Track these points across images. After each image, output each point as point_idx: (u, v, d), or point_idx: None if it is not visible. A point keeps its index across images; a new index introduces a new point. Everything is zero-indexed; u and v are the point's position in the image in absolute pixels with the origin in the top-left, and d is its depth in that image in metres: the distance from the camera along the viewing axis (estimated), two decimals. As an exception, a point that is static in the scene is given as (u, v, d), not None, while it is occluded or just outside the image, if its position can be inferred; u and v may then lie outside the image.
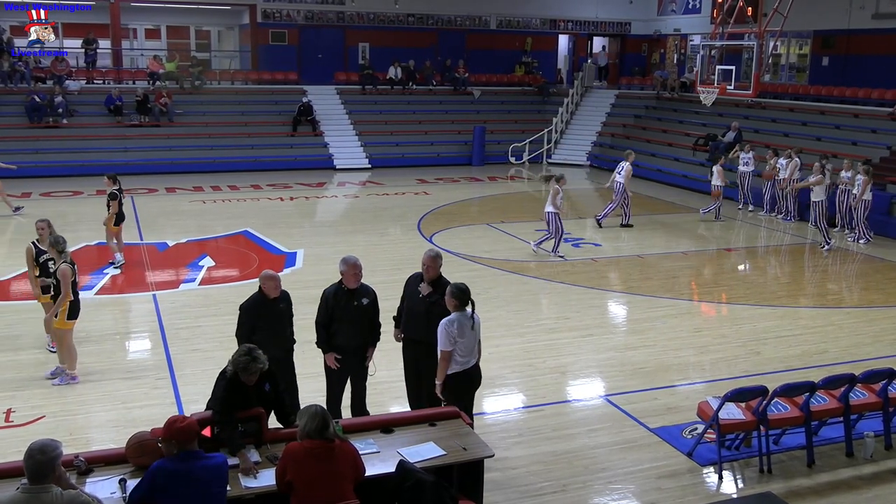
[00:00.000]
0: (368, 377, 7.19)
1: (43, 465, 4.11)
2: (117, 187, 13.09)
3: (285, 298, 7.13)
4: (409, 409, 7.12)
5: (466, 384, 6.64)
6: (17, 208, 16.88)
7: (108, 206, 12.86)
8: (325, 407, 5.15)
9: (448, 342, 6.44)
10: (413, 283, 7.12)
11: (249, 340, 6.30)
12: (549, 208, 14.10)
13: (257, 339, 6.44)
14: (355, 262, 6.95)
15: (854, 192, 15.89)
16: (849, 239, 16.24)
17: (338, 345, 6.94)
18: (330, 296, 6.95)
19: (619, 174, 16.79)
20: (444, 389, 6.58)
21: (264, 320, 6.91)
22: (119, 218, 13.00)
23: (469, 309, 6.54)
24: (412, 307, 7.03)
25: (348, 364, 7.01)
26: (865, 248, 15.65)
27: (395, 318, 7.30)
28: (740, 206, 19.09)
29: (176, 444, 4.74)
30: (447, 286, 6.73)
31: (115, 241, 13.15)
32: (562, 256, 14.15)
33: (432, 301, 6.88)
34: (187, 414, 6.72)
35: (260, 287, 7.01)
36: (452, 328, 6.43)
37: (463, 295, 6.50)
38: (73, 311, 8.46)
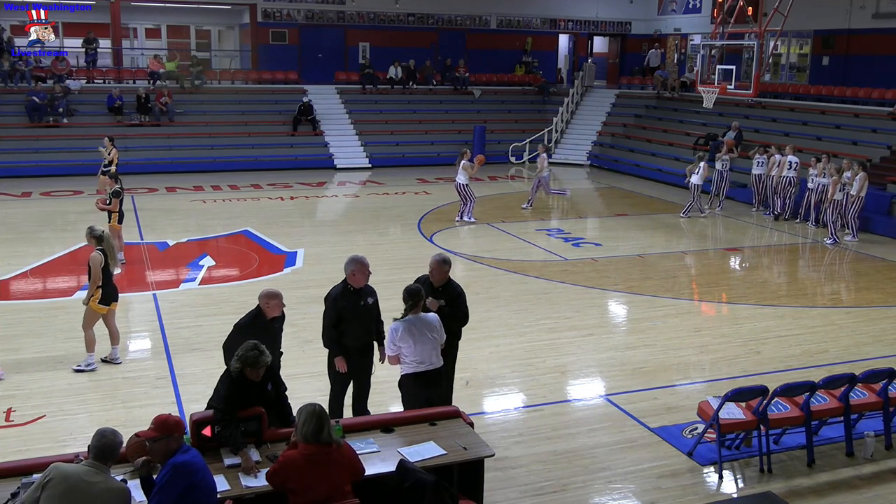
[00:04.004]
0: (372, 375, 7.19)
1: (110, 446, 4.50)
2: (119, 185, 13.09)
3: (281, 318, 6.92)
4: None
5: (420, 387, 6.48)
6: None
7: (110, 203, 12.83)
8: (323, 407, 5.10)
9: (390, 347, 6.50)
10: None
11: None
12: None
13: None
14: (364, 261, 6.91)
15: (852, 192, 15.88)
16: (826, 239, 16.28)
17: (345, 345, 6.90)
18: (338, 297, 6.85)
19: (791, 169, 17.64)
20: (400, 387, 6.58)
21: (259, 340, 6.56)
22: (119, 217, 12.99)
23: (421, 312, 6.43)
24: None
25: (353, 364, 6.98)
26: (833, 247, 15.70)
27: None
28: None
29: (177, 439, 4.75)
30: (458, 290, 6.69)
31: (116, 240, 13.12)
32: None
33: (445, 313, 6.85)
34: (187, 414, 6.73)
35: (259, 306, 6.74)
36: (395, 335, 6.40)
37: (410, 297, 6.42)
38: None
